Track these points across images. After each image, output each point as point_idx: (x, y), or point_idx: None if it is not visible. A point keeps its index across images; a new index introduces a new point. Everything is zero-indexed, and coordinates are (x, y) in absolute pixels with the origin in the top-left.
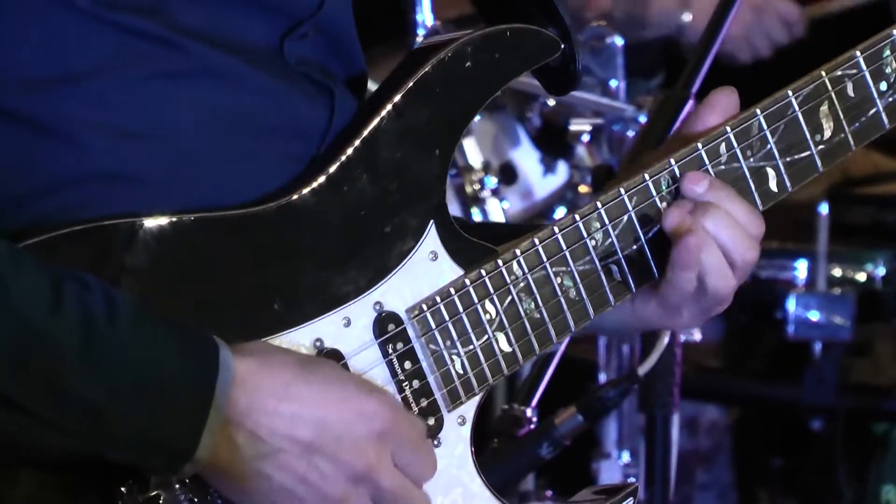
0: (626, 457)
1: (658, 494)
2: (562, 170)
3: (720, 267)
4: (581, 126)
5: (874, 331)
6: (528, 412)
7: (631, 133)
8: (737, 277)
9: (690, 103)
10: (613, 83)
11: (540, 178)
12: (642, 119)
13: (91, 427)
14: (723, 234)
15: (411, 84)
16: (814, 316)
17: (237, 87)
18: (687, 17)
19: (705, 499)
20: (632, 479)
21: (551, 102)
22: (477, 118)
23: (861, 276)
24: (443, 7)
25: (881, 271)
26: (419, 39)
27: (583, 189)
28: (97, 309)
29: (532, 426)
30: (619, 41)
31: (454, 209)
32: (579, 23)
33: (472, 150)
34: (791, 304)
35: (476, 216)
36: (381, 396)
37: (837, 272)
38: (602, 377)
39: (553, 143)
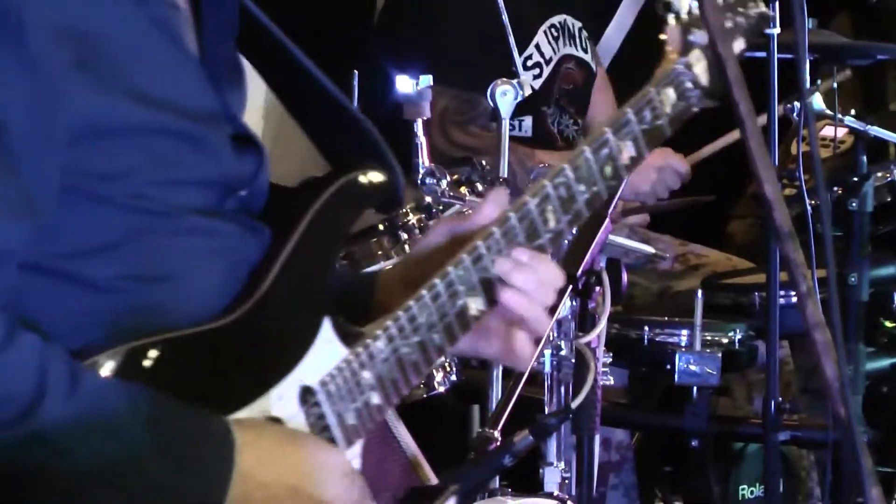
0: (562, 465)
1: (584, 492)
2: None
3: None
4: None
5: (733, 379)
6: (496, 434)
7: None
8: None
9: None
10: None
11: None
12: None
13: (156, 496)
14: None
15: (304, 226)
16: (693, 367)
17: (211, 237)
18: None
19: (615, 496)
20: (566, 480)
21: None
22: None
23: (725, 340)
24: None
25: (738, 337)
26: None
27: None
28: (153, 411)
29: (498, 444)
30: None
31: None
32: (526, 169)
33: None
34: (677, 360)
35: None
36: (338, 452)
37: (709, 337)
38: (546, 409)
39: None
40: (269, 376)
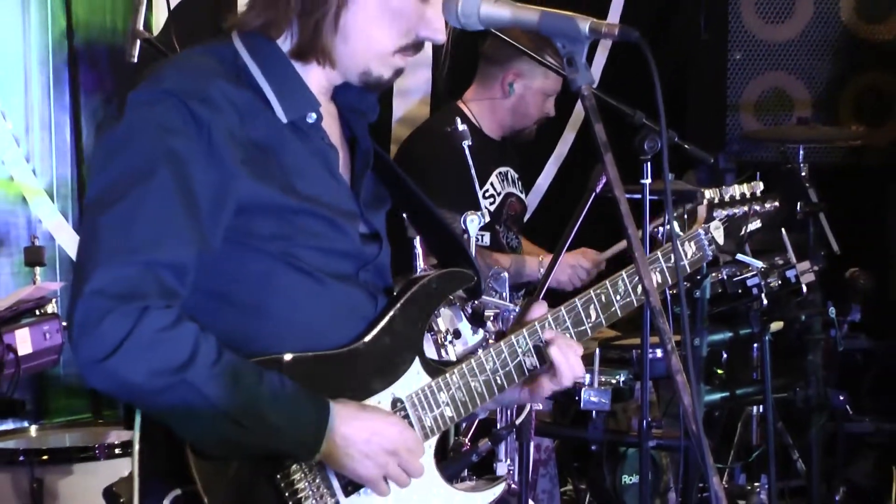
0: (509, 461)
1: (523, 480)
2: (480, 332)
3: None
4: (490, 312)
5: (619, 406)
6: (466, 441)
7: (512, 316)
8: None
9: (543, 304)
10: (504, 294)
11: (471, 337)
12: (517, 309)
13: (272, 435)
14: (568, 356)
15: (407, 296)
16: (593, 398)
17: (343, 295)
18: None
19: (543, 481)
20: (511, 471)
21: (477, 302)
22: (445, 309)
23: (613, 381)
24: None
25: (623, 379)
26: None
27: (492, 342)
28: (276, 384)
29: (467, 447)
30: (505, 275)
31: (432, 351)
32: (487, 265)
33: (442, 324)
34: (583, 393)
35: (443, 354)
36: (399, 420)
37: (603, 379)
38: (499, 424)
39: (477, 321)
40: (372, 388)
